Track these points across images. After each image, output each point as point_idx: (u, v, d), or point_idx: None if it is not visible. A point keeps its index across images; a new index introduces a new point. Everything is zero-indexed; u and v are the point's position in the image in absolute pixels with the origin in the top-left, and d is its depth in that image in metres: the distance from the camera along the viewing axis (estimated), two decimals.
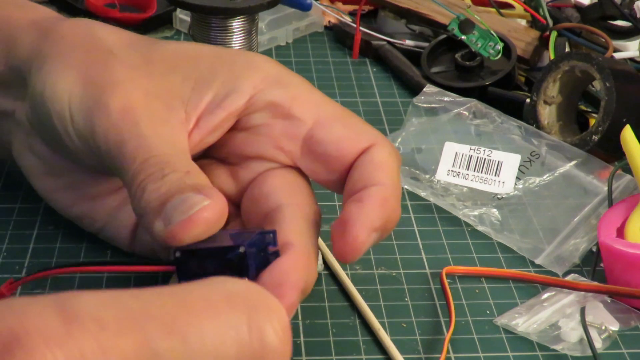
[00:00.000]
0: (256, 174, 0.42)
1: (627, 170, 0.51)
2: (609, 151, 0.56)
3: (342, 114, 0.42)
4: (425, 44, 0.71)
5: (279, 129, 0.41)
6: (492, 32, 0.67)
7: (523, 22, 0.74)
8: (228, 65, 0.42)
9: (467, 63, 0.67)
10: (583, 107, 0.63)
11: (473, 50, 0.67)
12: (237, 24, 0.57)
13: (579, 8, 0.73)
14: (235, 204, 0.43)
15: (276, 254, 0.37)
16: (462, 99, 0.60)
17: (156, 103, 0.40)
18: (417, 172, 0.56)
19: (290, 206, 0.40)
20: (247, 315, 0.27)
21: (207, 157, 0.44)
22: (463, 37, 0.67)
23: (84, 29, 0.44)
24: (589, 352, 0.42)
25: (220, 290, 0.28)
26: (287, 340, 0.28)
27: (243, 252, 0.35)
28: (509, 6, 0.76)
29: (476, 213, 0.53)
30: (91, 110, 0.40)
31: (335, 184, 0.41)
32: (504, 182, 0.54)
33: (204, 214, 0.35)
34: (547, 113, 0.60)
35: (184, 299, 0.27)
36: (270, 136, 0.42)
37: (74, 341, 0.24)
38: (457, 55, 0.68)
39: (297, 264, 0.36)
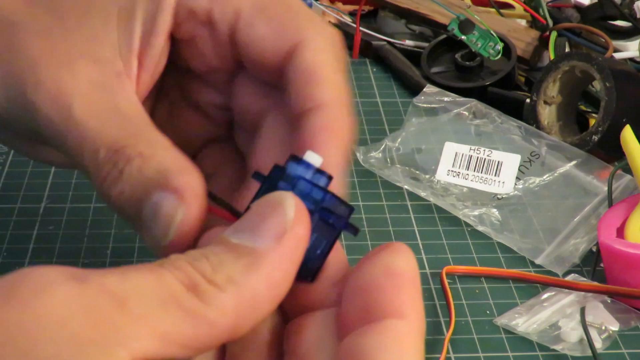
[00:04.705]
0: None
1: (627, 170, 0.51)
2: (609, 151, 0.56)
3: (265, 4, 0.35)
4: (425, 44, 0.71)
5: (206, 40, 0.36)
6: (492, 32, 0.67)
7: (523, 22, 0.74)
8: None
9: (467, 63, 0.67)
10: (583, 107, 0.63)
11: (473, 50, 0.67)
12: None
13: (579, 8, 0.73)
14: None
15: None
16: (462, 99, 0.60)
17: (85, 66, 0.34)
18: (417, 172, 0.56)
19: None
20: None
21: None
22: (463, 37, 0.67)
23: None
24: (589, 352, 0.42)
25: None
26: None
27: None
28: (509, 6, 0.76)
29: (476, 213, 0.53)
30: (21, 112, 0.34)
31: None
32: (504, 182, 0.54)
33: (184, 228, 0.31)
34: (547, 113, 0.60)
35: None
36: (201, 51, 0.36)
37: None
38: (457, 55, 0.68)
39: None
